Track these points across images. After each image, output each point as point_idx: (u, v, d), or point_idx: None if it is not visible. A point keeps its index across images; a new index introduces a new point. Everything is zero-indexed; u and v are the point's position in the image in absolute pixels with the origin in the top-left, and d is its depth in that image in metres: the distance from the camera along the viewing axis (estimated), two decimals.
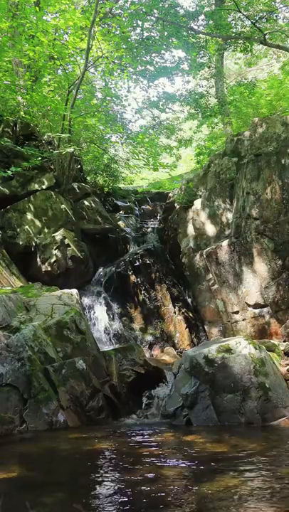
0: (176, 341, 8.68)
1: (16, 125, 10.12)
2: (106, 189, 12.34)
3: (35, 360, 5.28)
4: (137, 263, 9.49)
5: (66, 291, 6.62)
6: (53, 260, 8.82)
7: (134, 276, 9.29)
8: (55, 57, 10.31)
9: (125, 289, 9.23)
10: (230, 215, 8.21)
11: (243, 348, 5.45)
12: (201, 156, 10.05)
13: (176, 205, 9.83)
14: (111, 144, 13.24)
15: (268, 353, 5.79)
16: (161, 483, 3.21)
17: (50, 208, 9.36)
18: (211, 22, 12.36)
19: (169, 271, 9.73)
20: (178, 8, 12.52)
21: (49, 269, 8.84)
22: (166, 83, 46.00)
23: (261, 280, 7.29)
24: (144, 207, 13.05)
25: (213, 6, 13.82)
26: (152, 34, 12.82)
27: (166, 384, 6.20)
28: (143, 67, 13.29)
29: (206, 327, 8.43)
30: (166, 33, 12.34)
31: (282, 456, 3.91)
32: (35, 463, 3.92)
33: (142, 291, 9.18)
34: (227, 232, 8.19)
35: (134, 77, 13.81)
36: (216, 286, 8.06)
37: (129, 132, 12.88)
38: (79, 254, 9.09)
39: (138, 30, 12.57)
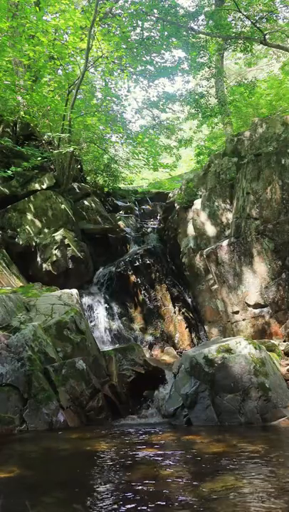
0: (176, 341, 8.68)
1: (16, 125, 10.13)
2: (106, 189, 12.35)
3: (35, 360, 5.28)
4: (137, 263, 9.49)
5: (66, 291, 6.62)
6: (53, 260, 8.82)
7: (134, 276, 9.29)
8: (55, 57, 10.32)
9: (125, 289, 9.23)
10: (230, 215, 8.22)
11: (243, 348, 5.45)
12: (201, 156, 10.08)
13: (176, 205, 9.83)
14: (111, 144, 13.25)
15: (268, 353, 5.79)
16: (161, 483, 3.21)
17: (50, 208, 9.37)
18: (211, 22, 12.35)
19: (169, 271, 9.72)
20: (178, 8, 12.52)
21: (49, 269, 8.85)
22: (166, 83, 46.06)
23: (261, 280, 7.29)
24: (144, 207, 13.06)
25: (213, 6, 13.81)
26: (152, 34, 12.84)
27: (166, 384, 6.20)
28: (143, 67, 13.31)
29: (206, 327, 8.43)
30: (166, 33, 12.35)
31: (282, 456, 3.91)
32: (35, 463, 3.92)
33: (142, 291, 9.17)
34: (227, 232, 8.20)
35: (134, 77, 13.84)
36: (216, 286, 8.06)
37: (129, 132, 12.89)
38: (79, 254, 9.09)
39: (138, 30, 12.59)
